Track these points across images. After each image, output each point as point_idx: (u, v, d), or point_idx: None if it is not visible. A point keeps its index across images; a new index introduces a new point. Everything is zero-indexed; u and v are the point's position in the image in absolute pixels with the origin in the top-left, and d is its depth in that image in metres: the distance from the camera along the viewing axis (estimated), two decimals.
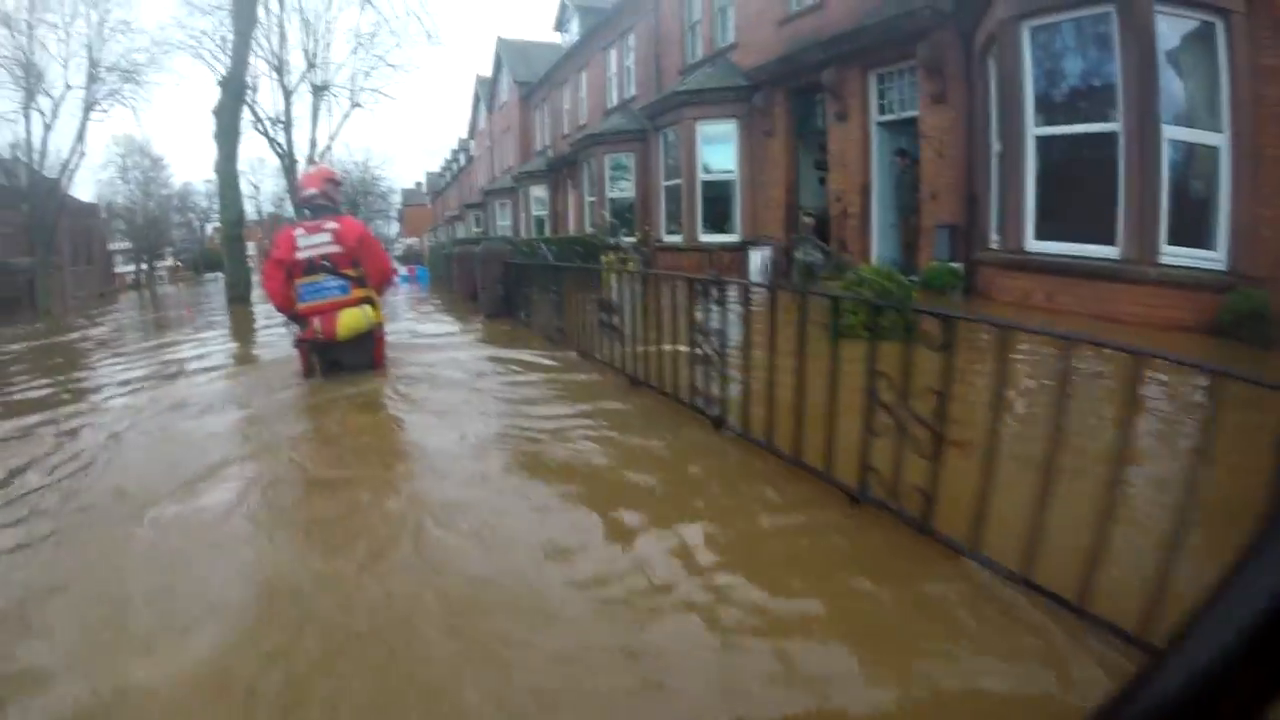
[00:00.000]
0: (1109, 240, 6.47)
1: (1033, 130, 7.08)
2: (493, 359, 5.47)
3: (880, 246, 10.55)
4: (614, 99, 18.70)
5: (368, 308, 4.52)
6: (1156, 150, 6.17)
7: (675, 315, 3.56)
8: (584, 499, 2.55)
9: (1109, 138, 6.46)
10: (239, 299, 13.89)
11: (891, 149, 10.47)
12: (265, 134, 24.61)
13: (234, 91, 14.03)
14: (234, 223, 14.51)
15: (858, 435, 2.28)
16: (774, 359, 2.80)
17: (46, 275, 23.28)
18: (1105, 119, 6.53)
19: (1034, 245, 7.19)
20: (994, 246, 7.98)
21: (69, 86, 23.29)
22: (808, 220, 11.91)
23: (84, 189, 37.47)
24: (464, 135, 43.61)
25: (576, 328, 5.37)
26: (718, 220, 13.12)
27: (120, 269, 46.01)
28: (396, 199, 60.95)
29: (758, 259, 11.40)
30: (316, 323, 4.38)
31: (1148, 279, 6.17)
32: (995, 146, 8.11)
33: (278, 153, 25.17)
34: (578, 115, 21.48)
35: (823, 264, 10.87)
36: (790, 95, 11.76)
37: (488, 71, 32.91)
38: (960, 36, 8.78)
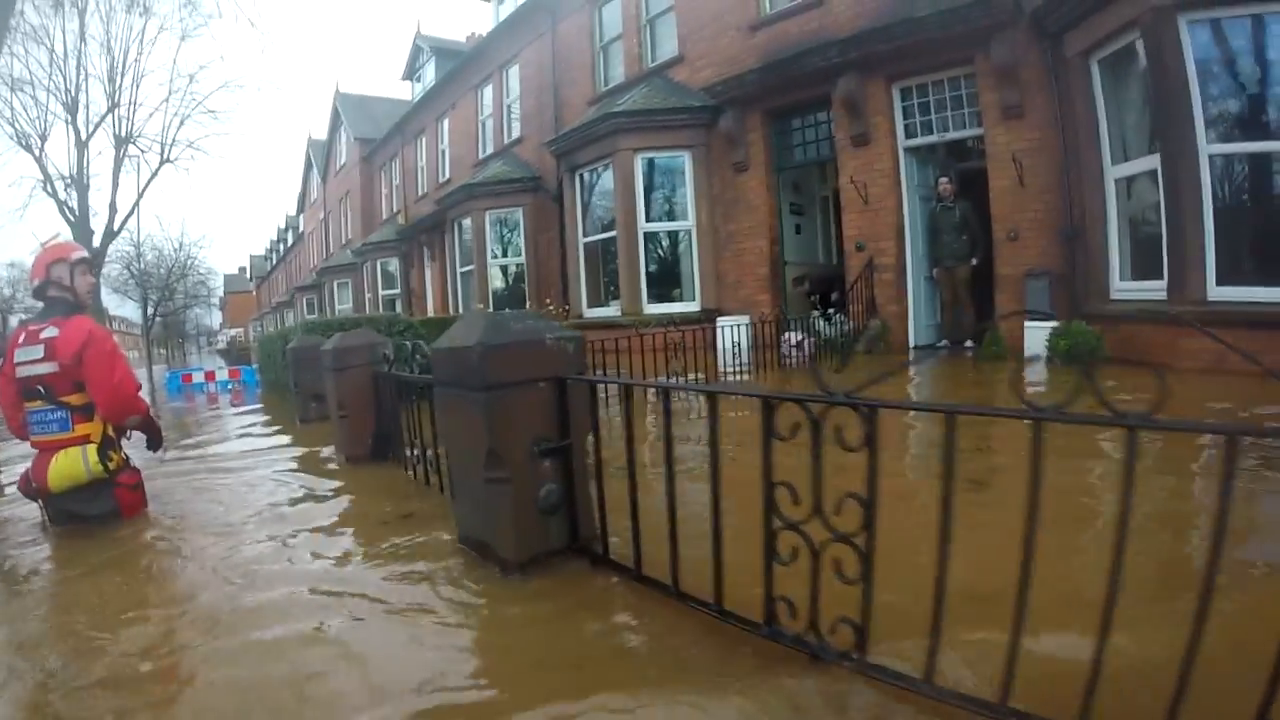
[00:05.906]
0: None
1: (1205, 148, 5.34)
2: None
3: (917, 305, 7.79)
4: (488, 147, 15.32)
5: (90, 449, 3.03)
6: None
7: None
8: None
9: None
10: None
11: (919, 183, 7.85)
12: (53, 195, 19.04)
13: None
14: None
15: None
16: None
17: None
18: None
19: (1218, 293, 5.33)
20: (1131, 296, 6.11)
21: None
22: (798, 286, 9.02)
23: None
24: (292, 212, 38.34)
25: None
26: (667, 285, 9.82)
27: None
28: (218, 284, 53.13)
29: (732, 336, 7.75)
30: (31, 465, 3.08)
31: None
32: (1114, 171, 6.31)
33: (68, 220, 19.43)
34: (438, 172, 17.83)
35: (853, 336, 7.83)
36: (768, 118, 8.92)
37: (322, 134, 28.46)
38: (1041, 36, 6.57)
